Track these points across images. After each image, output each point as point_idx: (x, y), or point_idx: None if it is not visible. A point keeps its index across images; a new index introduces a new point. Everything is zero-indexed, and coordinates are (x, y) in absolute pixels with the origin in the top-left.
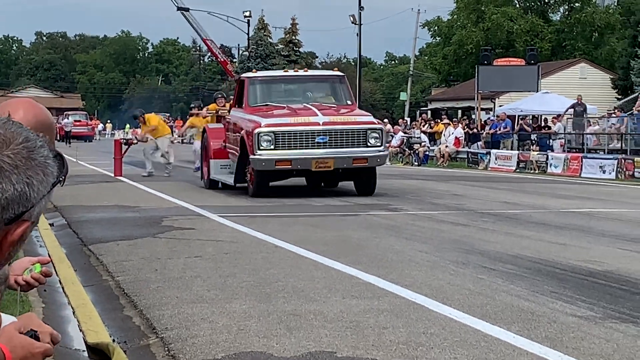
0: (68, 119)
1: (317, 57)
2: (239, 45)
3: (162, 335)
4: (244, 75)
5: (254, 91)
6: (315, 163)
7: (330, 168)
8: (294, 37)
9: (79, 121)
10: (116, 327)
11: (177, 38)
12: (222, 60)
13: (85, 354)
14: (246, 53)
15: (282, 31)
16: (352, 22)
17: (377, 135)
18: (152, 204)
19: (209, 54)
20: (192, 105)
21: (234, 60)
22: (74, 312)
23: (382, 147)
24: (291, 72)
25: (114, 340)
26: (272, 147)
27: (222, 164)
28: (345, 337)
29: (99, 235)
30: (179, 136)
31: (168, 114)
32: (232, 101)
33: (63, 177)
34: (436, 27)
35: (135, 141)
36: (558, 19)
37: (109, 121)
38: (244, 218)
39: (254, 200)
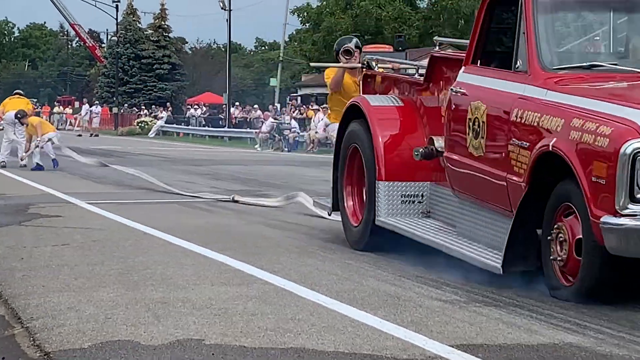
0: None
1: (187, 42)
2: (107, 30)
3: (27, 325)
4: None
5: (551, 28)
6: None
7: None
8: (163, 23)
9: None
10: None
11: (45, 22)
12: (90, 45)
13: None
14: (115, 38)
15: (152, 16)
16: (222, 8)
17: None
18: (18, 191)
19: (77, 39)
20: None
21: (103, 45)
22: None
23: None
24: None
25: None
26: None
27: (406, 193)
28: (213, 325)
29: None
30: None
31: (35, 100)
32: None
33: None
34: (305, 14)
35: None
36: (425, 6)
37: None
38: (113, 205)
39: (123, 186)
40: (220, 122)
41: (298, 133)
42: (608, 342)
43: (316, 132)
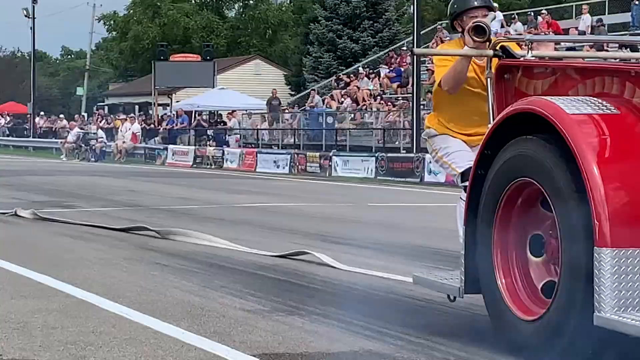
0: None
1: None
2: None
3: None
4: None
5: None
6: None
7: None
8: None
9: None
10: None
11: None
12: None
13: None
14: None
15: None
16: (26, 16)
17: None
18: None
19: None
20: None
21: None
22: None
23: None
24: None
25: None
26: None
27: None
28: (11, 339)
29: None
30: None
31: None
32: None
33: None
34: (112, 22)
35: None
36: (233, 15)
37: None
38: None
39: None
40: (25, 132)
41: (105, 143)
42: (407, 349)
43: (124, 142)
